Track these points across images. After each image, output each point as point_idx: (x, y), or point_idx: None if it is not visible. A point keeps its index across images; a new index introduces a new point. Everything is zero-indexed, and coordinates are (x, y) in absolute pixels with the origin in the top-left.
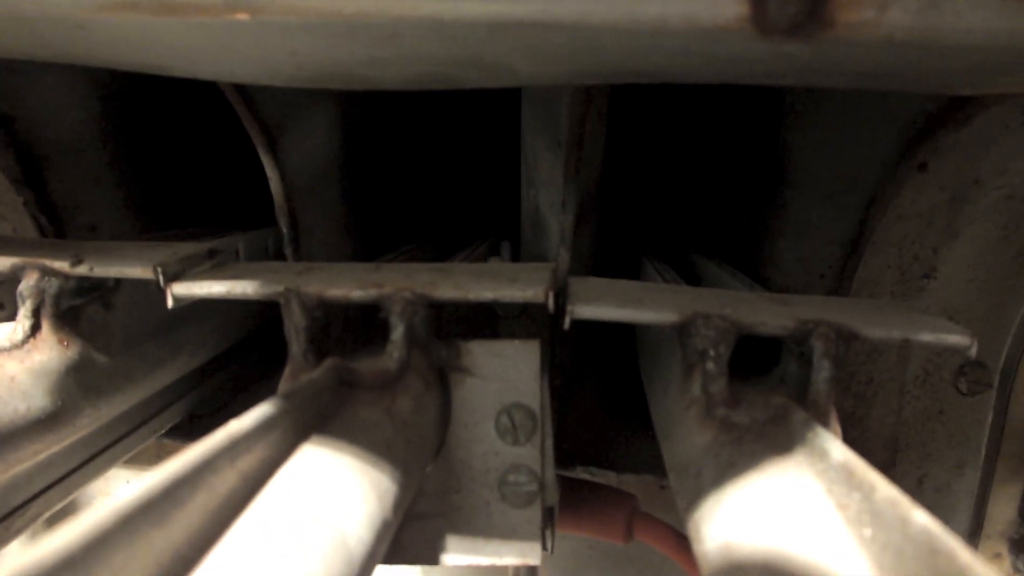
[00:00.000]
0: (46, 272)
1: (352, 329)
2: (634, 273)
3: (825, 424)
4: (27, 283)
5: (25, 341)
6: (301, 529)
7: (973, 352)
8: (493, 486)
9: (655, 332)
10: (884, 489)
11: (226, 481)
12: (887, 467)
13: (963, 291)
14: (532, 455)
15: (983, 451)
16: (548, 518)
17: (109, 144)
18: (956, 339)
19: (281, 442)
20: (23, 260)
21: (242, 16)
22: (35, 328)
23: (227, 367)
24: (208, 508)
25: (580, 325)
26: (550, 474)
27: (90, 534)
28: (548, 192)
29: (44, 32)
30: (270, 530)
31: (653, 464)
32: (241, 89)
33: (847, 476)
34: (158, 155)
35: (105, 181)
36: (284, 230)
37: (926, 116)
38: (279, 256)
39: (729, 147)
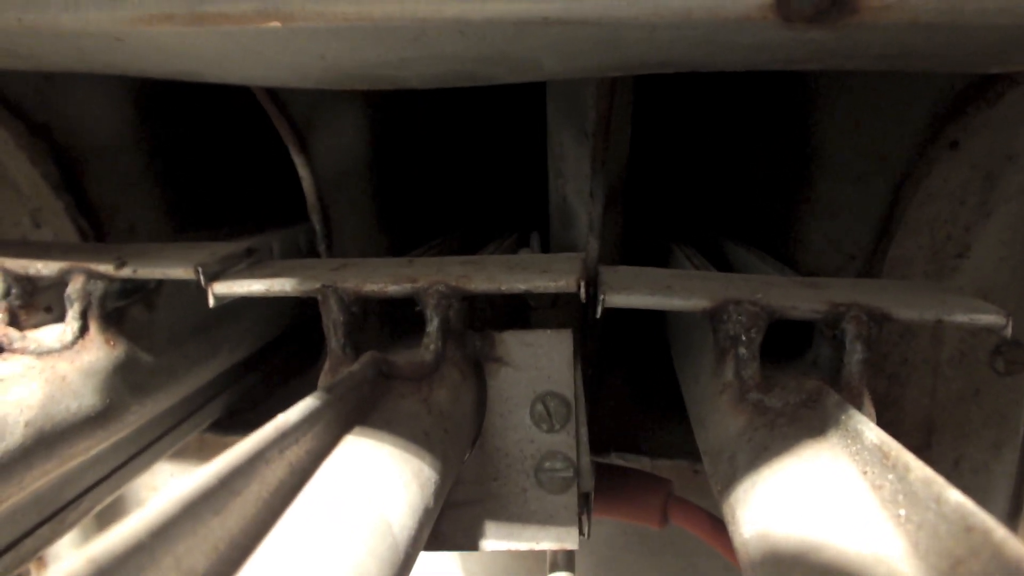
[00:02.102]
0: (92, 275)
1: (386, 322)
2: (662, 260)
3: (859, 407)
4: (74, 286)
5: (74, 342)
6: (348, 519)
7: (1008, 332)
8: (530, 473)
9: (686, 318)
10: (918, 469)
11: (276, 471)
12: (922, 449)
13: (997, 270)
14: (567, 442)
15: (1021, 431)
16: (584, 503)
17: (144, 147)
18: (990, 319)
19: (325, 434)
20: (69, 264)
21: (274, 24)
22: (83, 329)
23: (264, 363)
24: (261, 497)
25: (609, 313)
26: (585, 460)
27: (155, 522)
28: (576, 182)
29: (84, 46)
30: (319, 520)
31: (686, 449)
32: (271, 91)
33: (881, 457)
34: (191, 156)
35: (141, 183)
36: (317, 227)
37: (955, 94)
38: (312, 253)
39: (755, 130)
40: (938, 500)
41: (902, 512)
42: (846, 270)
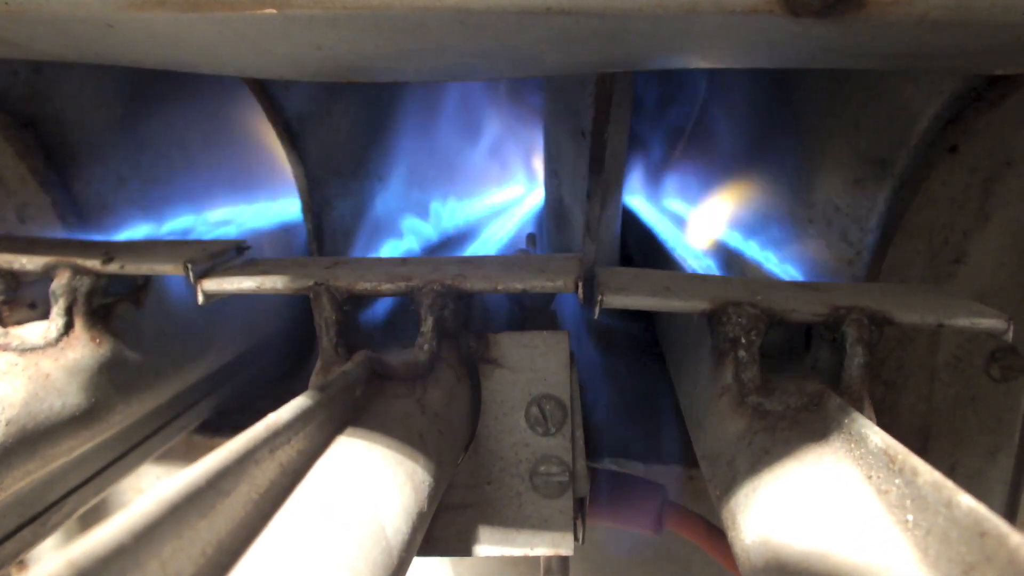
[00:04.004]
0: (78, 271)
1: (380, 324)
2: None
3: (859, 410)
4: (59, 282)
5: (59, 339)
6: (341, 522)
7: (1010, 336)
8: (524, 477)
9: (682, 321)
10: (927, 473)
11: (266, 472)
12: (918, 454)
13: (994, 276)
14: (563, 445)
15: (1017, 437)
16: (579, 509)
17: (134, 144)
18: (991, 323)
19: (318, 434)
20: (55, 259)
21: (269, 11)
22: (68, 326)
23: (253, 364)
24: (250, 499)
25: (604, 316)
26: (581, 464)
27: (139, 524)
28: (572, 183)
29: (75, 32)
30: (311, 522)
31: (681, 454)
32: (264, 86)
33: (887, 461)
34: (182, 154)
35: (131, 180)
36: (308, 225)
37: (956, 97)
38: (303, 252)
39: (751, 131)
40: (948, 504)
41: (910, 517)
42: (843, 274)
